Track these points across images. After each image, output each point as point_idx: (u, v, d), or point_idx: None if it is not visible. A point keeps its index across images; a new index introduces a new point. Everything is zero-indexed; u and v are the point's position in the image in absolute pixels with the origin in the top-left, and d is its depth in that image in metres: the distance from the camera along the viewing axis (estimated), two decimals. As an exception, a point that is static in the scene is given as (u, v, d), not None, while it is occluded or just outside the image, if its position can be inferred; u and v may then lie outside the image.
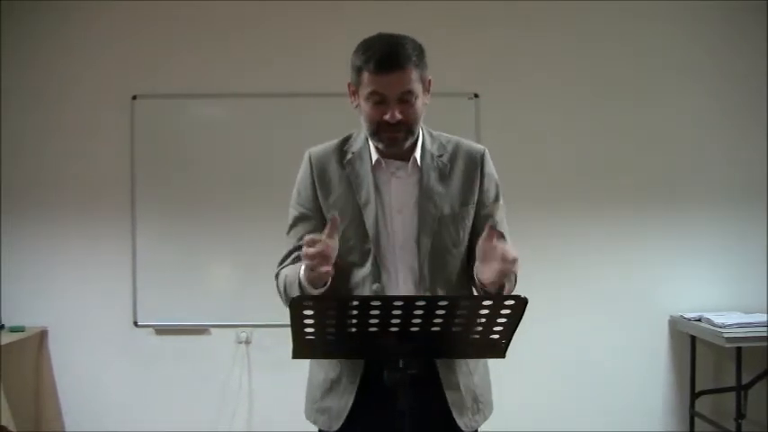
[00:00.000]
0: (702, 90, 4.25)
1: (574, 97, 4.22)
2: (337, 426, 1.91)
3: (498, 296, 1.72)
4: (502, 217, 1.99)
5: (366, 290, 1.90)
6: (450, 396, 1.90)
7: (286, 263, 1.95)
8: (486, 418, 1.99)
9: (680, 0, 4.23)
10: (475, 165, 1.96)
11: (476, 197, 1.95)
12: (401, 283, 1.91)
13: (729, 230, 4.21)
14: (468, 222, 1.95)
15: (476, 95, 4.16)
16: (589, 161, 4.23)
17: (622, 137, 4.22)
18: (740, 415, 3.74)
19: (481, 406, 1.96)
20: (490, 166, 1.99)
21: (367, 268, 1.90)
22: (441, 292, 1.89)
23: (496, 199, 1.99)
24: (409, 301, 1.51)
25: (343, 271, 1.93)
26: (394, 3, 4.12)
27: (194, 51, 4.18)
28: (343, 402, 1.90)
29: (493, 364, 2.04)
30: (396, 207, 1.92)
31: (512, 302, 1.54)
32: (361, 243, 1.90)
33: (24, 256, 4.15)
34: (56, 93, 4.18)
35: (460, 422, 1.91)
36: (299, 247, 1.89)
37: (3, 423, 3.52)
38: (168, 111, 4.18)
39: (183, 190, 4.14)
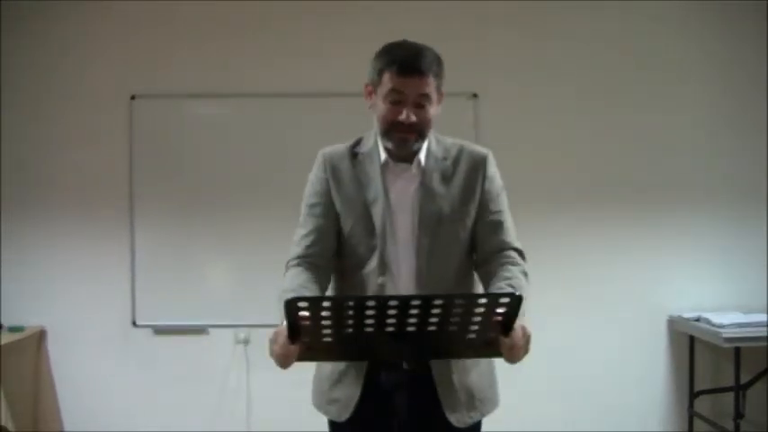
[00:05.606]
0: (702, 90, 4.25)
1: (573, 98, 4.22)
2: (347, 415, 1.96)
3: (493, 294, 1.73)
4: (505, 209, 2.04)
5: (372, 284, 1.95)
6: (441, 392, 1.95)
7: (294, 255, 1.98)
8: (483, 415, 2.02)
9: (679, 1, 4.24)
10: (477, 167, 2.02)
11: (477, 198, 2.00)
12: (403, 280, 1.96)
13: (729, 230, 4.22)
14: (469, 222, 2.00)
15: (474, 95, 4.16)
16: (588, 161, 4.23)
17: (621, 137, 4.23)
18: (739, 415, 3.75)
19: (478, 403, 1.99)
20: (493, 169, 2.04)
21: (373, 263, 1.95)
22: (441, 292, 1.91)
23: (499, 197, 2.03)
24: (404, 301, 1.52)
25: (350, 268, 1.99)
26: (394, 3, 4.12)
27: (193, 51, 4.18)
28: (351, 393, 1.96)
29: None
30: (399, 206, 1.98)
31: (507, 300, 1.55)
32: (368, 239, 1.96)
33: (23, 256, 4.15)
34: (54, 93, 4.19)
35: (452, 417, 1.95)
36: (309, 232, 1.98)
37: (1, 423, 3.53)
38: (167, 111, 4.17)
39: (181, 190, 4.15)
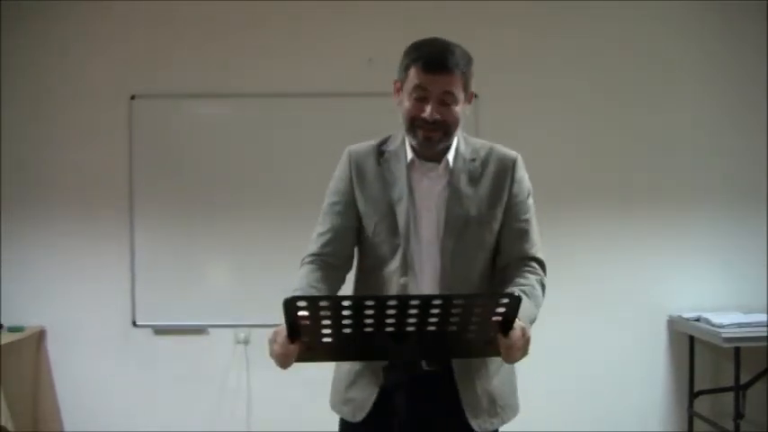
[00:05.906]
0: (702, 90, 4.25)
1: (573, 97, 4.22)
2: (360, 417, 1.95)
3: (492, 294, 1.72)
4: (531, 217, 2.02)
5: (394, 284, 1.94)
6: (464, 397, 1.93)
7: (309, 252, 1.98)
8: (504, 422, 2.01)
9: (679, 0, 4.24)
10: (506, 170, 2.00)
11: (504, 201, 1.98)
12: (426, 280, 1.95)
13: (729, 230, 4.21)
14: (496, 226, 1.98)
15: (475, 96, 4.15)
16: (588, 161, 4.23)
17: (621, 137, 4.23)
18: (738, 415, 3.74)
19: (499, 409, 1.98)
20: (521, 172, 2.02)
21: (396, 262, 1.94)
22: (464, 293, 1.90)
23: (526, 202, 2.01)
24: (403, 301, 1.51)
25: (372, 267, 1.99)
26: (394, 3, 4.12)
27: (193, 51, 4.18)
28: (366, 394, 1.95)
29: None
30: (425, 206, 1.96)
31: (506, 301, 1.55)
32: (392, 238, 1.95)
33: (23, 256, 4.15)
34: (54, 93, 4.19)
35: (474, 423, 1.93)
36: (326, 231, 1.98)
37: (1, 423, 3.53)
38: (167, 111, 4.17)
39: (181, 190, 4.14)
